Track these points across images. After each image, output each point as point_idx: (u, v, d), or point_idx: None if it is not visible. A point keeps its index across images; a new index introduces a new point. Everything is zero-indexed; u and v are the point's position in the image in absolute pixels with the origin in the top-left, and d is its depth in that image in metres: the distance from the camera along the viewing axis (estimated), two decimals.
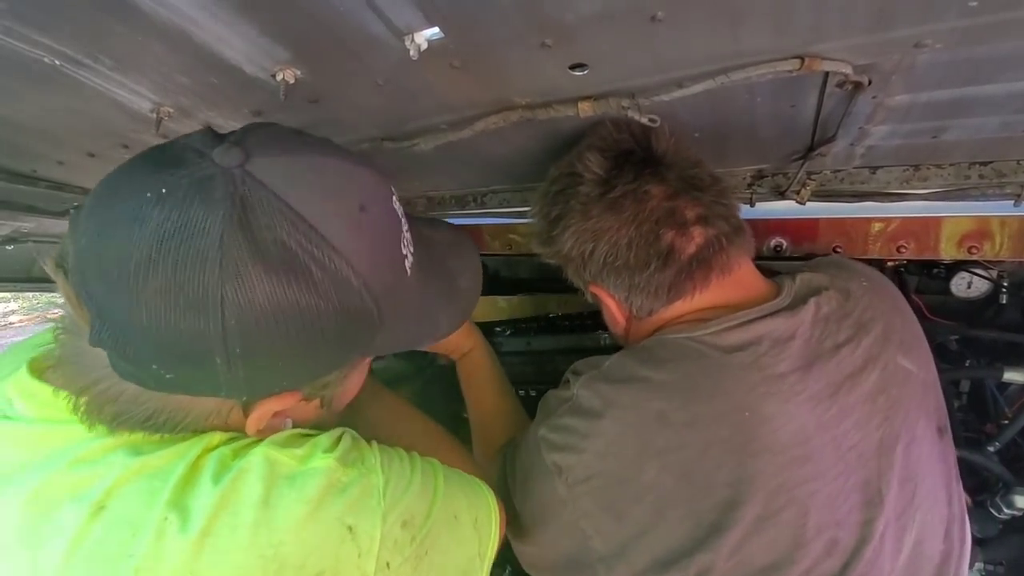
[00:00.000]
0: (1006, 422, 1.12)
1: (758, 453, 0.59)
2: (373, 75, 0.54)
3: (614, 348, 0.75)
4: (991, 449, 1.08)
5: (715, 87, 0.53)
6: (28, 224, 1.10)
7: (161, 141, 0.69)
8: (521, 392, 1.10)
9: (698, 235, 0.67)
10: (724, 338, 0.63)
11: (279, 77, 0.52)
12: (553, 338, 1.28)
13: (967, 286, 1.04)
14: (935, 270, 1.07)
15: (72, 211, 0.46)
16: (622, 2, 0.41)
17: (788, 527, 0.58)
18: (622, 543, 0.61)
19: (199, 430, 0.48)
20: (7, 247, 1.17)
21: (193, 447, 0.46)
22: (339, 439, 0.50)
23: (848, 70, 0.51)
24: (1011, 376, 1.06)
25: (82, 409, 0.45)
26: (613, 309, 0.74)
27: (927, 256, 0.91)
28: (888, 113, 0.64)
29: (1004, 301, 1.04)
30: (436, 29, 0.44)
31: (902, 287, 1.15)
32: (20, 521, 0.44)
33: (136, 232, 0.39)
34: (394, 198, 0.51)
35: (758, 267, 0.75)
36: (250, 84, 0.55)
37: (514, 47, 0.49)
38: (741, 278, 0.70)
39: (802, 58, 0.49)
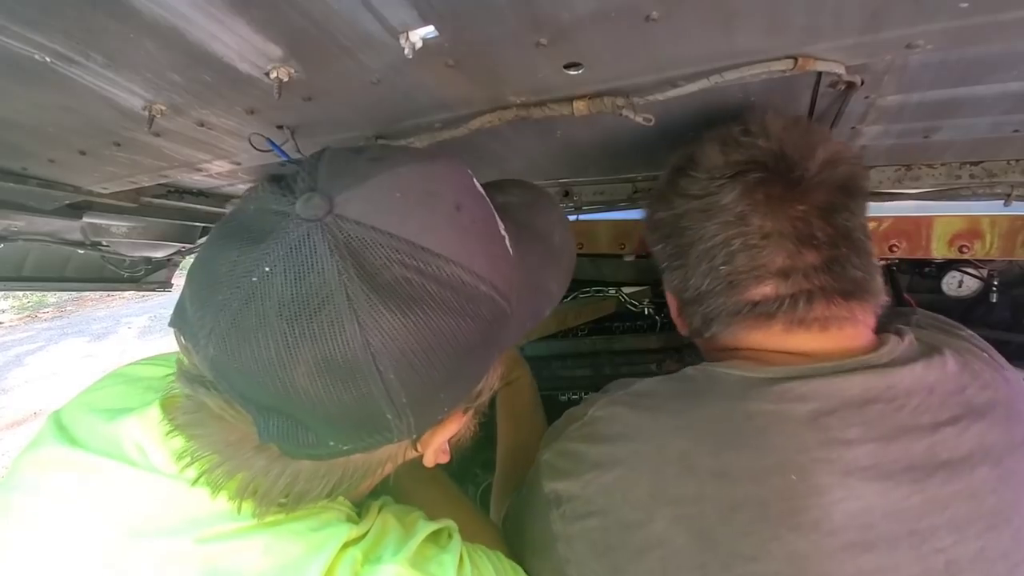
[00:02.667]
0: None
1: (801, 529, 0.48)
2: (367, 73, 0.54)
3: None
4: None
5: (709, 87, 0.53)
6: (18, 222, 1.09)
7: (151, 138, 0.70)
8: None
9: (769, 287, 0.57)
10: (784, 387, 0.52)
11: (273, 75, 0.52)
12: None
13: (958, 285, 1.05)
14: (926, 269, 1.08)
15: (174, 318, 0.44)
16: (617, 1, 0.42)
17: None
18: None
19: (371, 476, 0.48)
20: None
21: (329, 540, 0.44)
22: (462, 560, 0.50)
23: (841, 70, 0.51)
24: None
25: (246, 493, 0.43)
26: (673, 310, 0.69)
27: (918, 255, 0.92)
28: (880, 113, 0.65)
29: (994, 300, 1.06)
30: (431, 28, 0.44)
31: (894, 286, 1.16)
32: None
33: (263, 325, 0.37)
34: (474, 180, 0.48)
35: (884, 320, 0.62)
36: (244, 82, 0.54)
37: (509, 46, 0.48)
38: (836, 333, 0.58)
39: (795, 58, 0.50)
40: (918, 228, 0.90)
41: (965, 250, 0.89)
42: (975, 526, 0.50)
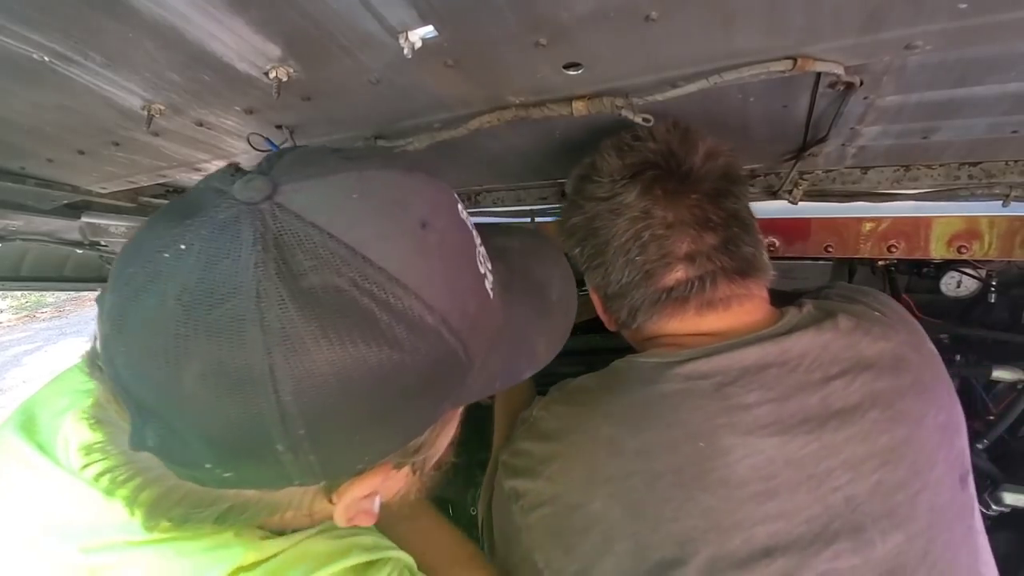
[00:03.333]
0: (991, 418, 1.13)
1: (711, 487, 0.54)
2: (367, 73, 0.54)
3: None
4: (980, 446, 1.09)
5: (708, 87, 0.53)
6: (16, 222, 1.09)
7: (150, 138, 0.70)
8: None
9: (680, 271, 0.64)
10: (690, 367, 0.59)
11: (272, 75, 0.52)
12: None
13: (956, 285, 1.05)
14: (925, 269, 1.08)
15: (99, 293, 0.39)
16: (616, 2, 0.42)
17: (747, 571, 0.52)
18: None
19: (278, 527, 0.42)
20: None
21: (216, 563, 0.40)
22: None
23: (840, 71, 0.51)
24: (999, 374, 1.07)
25: (137, 501, 0.39)
26: (597, 307, 0.75)
27: (917, 256, 0.92)
28: (879, 114, 0.65)
29: (993, 300, 1.06)
30: (430, 27, 0.44)
31: (892, 286, 1.17)
32: None
33: (158, 308, 0.32)
34: (459, 206, 0.42)
35: (785, 294, 0.70)
36: (242, 81, 0.54)
37: (508, 46, 0.48)
38: (738, 309, 0.66)
39: (794, 59, 0.50)
40: (917, 229, 0.90)
41: (964, 250, 0.89)
42: (869, 463, 0.56)
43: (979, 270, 1.04)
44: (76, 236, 1.22)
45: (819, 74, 0.54)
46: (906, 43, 0.47)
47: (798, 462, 0.55)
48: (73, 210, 1.08)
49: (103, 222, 1.19)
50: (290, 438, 0.33)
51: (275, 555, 0.43)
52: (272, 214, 0.33)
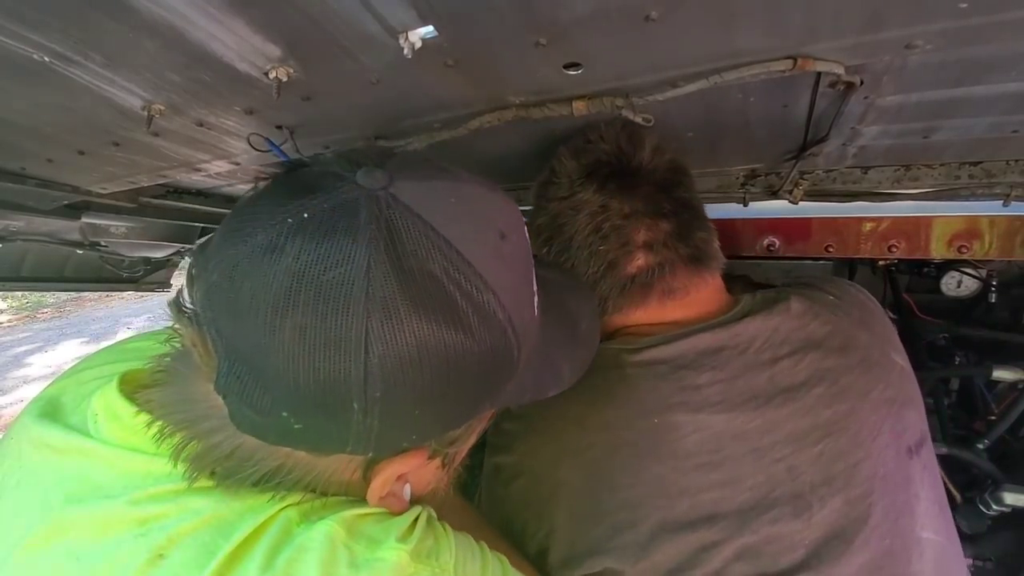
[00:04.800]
0: (992, 418, 1.13)
1: (662, 458, 0.60)
2: (367, 73, 0.54)
3: None
4: (980, 446, 1.09)
5: (708, 87, 0.53)
6: (17, 223, 1.09)
7: (150, 138, 0.70)
8: None
9: (641, 259, 0.69)
10: (649, 354, 0.65)
11: (272, 75, 0.52)
12: None
13: (957, 285, 1.05)
14: (925, 269, 1.09)
15: (196, 249, 0.44)
16: (616, 1, 0.41)
17: (692, 532, 0.57)
18: (540, 542, 0.63)
19: (302, 490, 0.43)
20: None
21: (274, 503, 0.42)
22: (415, 522, 0.45)
23: (840, 70, 0.51)
24: (1000, 374, 1.08)
25: (183, 454, 0.41)
26: None
27: (918, 255, 0.93)
28: (879, 113, 0.65)
29: (993, 300, 1.06)
30: (430, 28, 0.44)
31: (892, 286, 1.17)
32: (77, 543, 0.41)
33: (275, 263, 0.36)
34: (524, 228, 0.48)
35: (750, 284, 0.76)
36: (243, 81, 0.54)
37: (508, 46, 0.48)
38: (696, 298, 0.70)
39: (795, 58, 0.50)
40: (917, 228, 0.90)
41: (964, 250, 0.89)
42: (812, 436, 0.61)
43: (979, 270, 1.04)
44: (76, 236, 1.22)
45: (819, 74, 0.54)
46: (906, 43, 0.47)
47: (743, 436, 0.61)
48: (73, 210, 1.08)
49: (103, 222, 1.19)
50: (366, 398, 0.37)
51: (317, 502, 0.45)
52: (387, 202, 0.38)
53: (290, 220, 0.37)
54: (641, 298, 0.70)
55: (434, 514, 0.48)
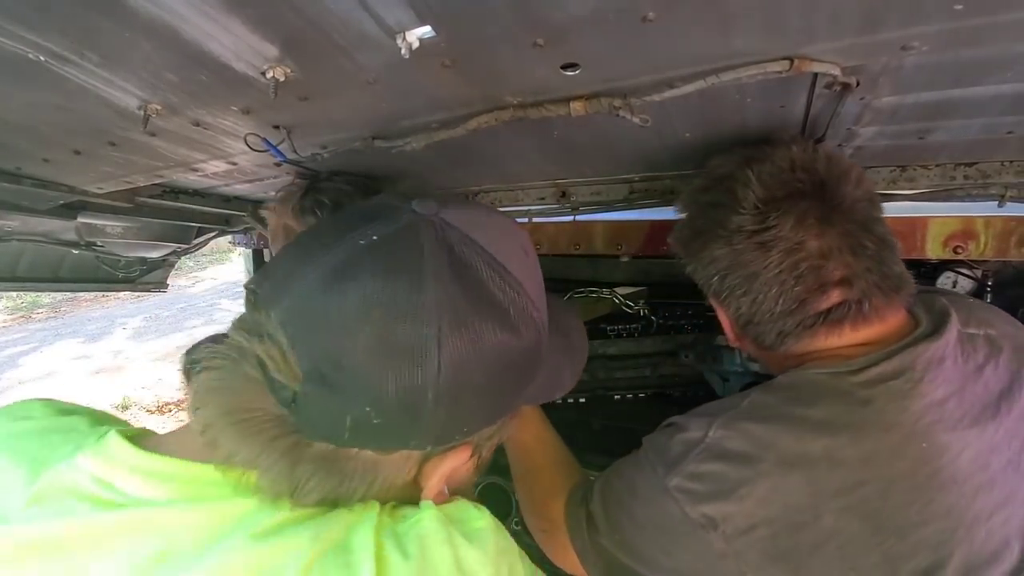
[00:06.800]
0: None
1: (944, 486, 0.55)
2: (364, 73, 0.54)
3: None
4: None
5: (706, 87, 0.53)
6: (12, 222, 1.09)
7: (146, 138, 0.69)
8: None
9: (836, 296, 0.64)
10: (875, 371, 0.60)
11: (269, 75, 0.52)
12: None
13: (952, 285, 1.06)
14: (921, 270, 1.09)
15: (255, 277, 0.48)
16: (613, 2, 0.42)
17: (997, 565, 0.54)
18: None
19: (372, 497, 0.46)
20: None
21: (364, 515, 0.45)
22: (465, 504, 0.50)
23: (837, 71, 0.51)
24: None
25: (260, 482, 0.42)
26: (727, 327, 0.75)
27: (913, 256, 0.92)
28: (876, 114, 0.65)
29: (989, 300, 1.06)
30: (428, 28, 0.44)
31: None
32: None
33: (352, 277, 0.41)
34: (532, 244, 0.55)
35: None
36: (240, 81, 0.54)
37: (506, 46, 0.49)
38: (889, 322, 0.66)
39: (791, 59, 0.50)
40: (913, 229, 0.90)
41: (960, 251, 0.89)
42: None
43: (975, 270, 1.05)
44: (72, 236, 1.22)
45: (816, 75, 0.54)
46: (902, 44, 0.47)
47: (997, 448, 0.58)
48: (69, 210, 1.08)
49: (99, 222, 1.19)
50: (438, 388, 0.42)
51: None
52: (441, 224, 0.45)
53: (362, 242, 0.43)
54: (831, 329, 0.65)
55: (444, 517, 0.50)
